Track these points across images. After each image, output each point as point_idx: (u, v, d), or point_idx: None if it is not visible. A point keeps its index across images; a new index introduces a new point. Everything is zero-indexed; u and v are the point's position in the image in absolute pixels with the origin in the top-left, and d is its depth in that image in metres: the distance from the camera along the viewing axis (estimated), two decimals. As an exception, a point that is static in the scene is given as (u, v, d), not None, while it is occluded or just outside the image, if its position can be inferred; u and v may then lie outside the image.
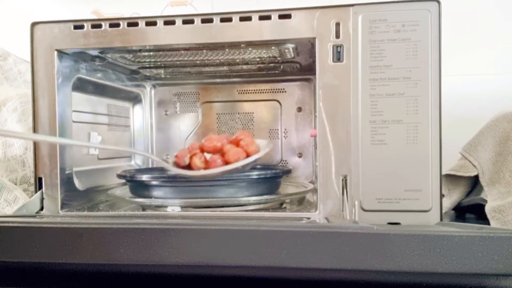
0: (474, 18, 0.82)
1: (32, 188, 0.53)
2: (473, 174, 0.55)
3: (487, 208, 0.50)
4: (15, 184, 0.56)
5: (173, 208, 0.51)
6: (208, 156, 0.27)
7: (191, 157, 0.23)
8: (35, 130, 0.51)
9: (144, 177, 0.55)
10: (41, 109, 0.51)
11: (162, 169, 0.73)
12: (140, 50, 0.54)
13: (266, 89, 0.75)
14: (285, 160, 0.75)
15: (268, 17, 0.47)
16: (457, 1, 0.82)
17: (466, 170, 0.56)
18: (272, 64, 0.64)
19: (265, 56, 0.58)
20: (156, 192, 0.54)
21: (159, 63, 0.63)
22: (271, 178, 0.57)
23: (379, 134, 0.45)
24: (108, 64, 0.61)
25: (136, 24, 0.49)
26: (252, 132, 0.76)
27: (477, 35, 0.82)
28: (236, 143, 0.30)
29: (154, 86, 0.78)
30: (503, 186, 0.51)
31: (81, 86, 0.58)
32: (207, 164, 0.23)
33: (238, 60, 0.61)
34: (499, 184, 0.52)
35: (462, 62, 0.82)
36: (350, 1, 0.46)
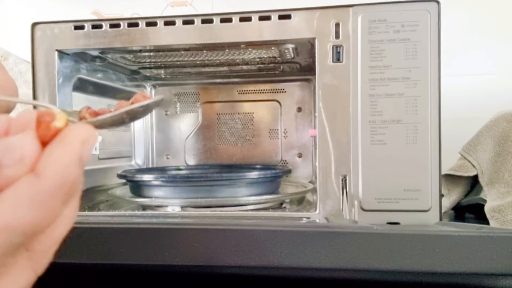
0: (474, 18, 0.82)
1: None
2: (472, 174, 0.56)
3: (487, 208, 0.50)
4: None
5: (173, 208, 0.51)
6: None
7: (80, 111, 0.24)
8: (35, 130, 0.51)
9: (145, 177, 0.55)
10: (42, 109, 0.51)
11: (162, 169, 0.73)
12: (140, 51, 0.54)
13: (266, 89, 0.75)
14: (285, 160, 0.75)
15: (268, 18, 0.47)
16: (458, 1, 0.82)
17: (465, 170, 0.56)
18: (272, 64, 0.64)
19: (265, 56, 0.58)
20: (156, 192, 0.54)
21: (159, 63, 0.63)
22: (271, 178, 0.57)
23: (379, 134, 0.45)
24: (108, 64, 0.61)
25: (136, 25, 0.49)
26: (252, 132, 0.76)
27: (477, 35, 0.82)
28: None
29: (154, 86, 0.79)
30: (502, 186, 0.52)
31: (81, 86, 0.58)
32: (96, 115, 0.23)
33: (238, 61, 0.61)
34: (498, 184, 0.52)
35: (462, 62, 0.82)
36: (350, 2, 0.46)
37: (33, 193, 0.16)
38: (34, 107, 0.51)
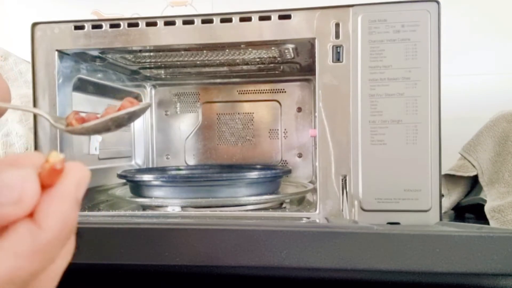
0: (474, 18, 0.82)
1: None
2: (472, 174, 0.56)
3: (487, 208, 0.50)
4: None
5: (173, 208, 0.51)
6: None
7: (67, 117, 0.24)
8: (35, 130, 0.51)
9: (145, 177, 0.55)
10: (42, 109, 0.51)
11: (162, 169, 0.73)
12: (140, 51, 0.54)
13: (266, 89, 0.75)
14: (285, 160, 0.75)
15: (268, 18, 0.47)
16: (458, 1, 0.82)
17: (465, 170, 0.56)
18: (272, 65, 0.64)
19: (265, 56, 0.58)
20: (156, 192, 0.54)
21: (159, 63, 0.63)
22: (271, 178, 0.57)
23: (379, 134, 0.45)
24: (108, 64, 0.61)
25: (136, 25, 0.49)
26: (252, 132, 0.76)
27: (477, 35, 0.82)
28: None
29: (154, 86, 0.79)
30: (502, 186, 0.52)
31: (81, 86, 0.58)
32: (83, 121, 0.23)
33: (238, 61, 0.61)
34: (498, 184, 0.52)
35: (462, 62, 0.82)
36: (350, 2, 0.46)
37: (35, 244, 0.15)
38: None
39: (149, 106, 0.25)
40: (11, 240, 0.15)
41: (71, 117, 0.24)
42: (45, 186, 0.16)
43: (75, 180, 0.17)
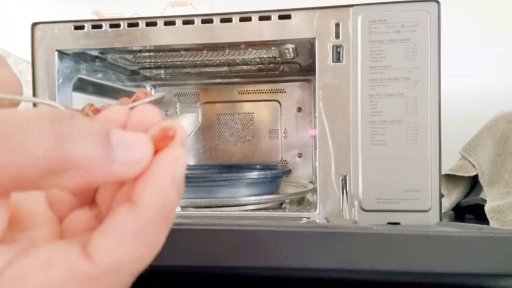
0: (474, 18, 0.82)
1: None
2: (472, 174, 0.55)
3: (487, 208, 0.50)
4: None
5: (173, 208, 0.51)
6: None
7: (83, 109, 0.24)
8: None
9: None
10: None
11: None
12: (140, 51, 0.54)
13: (266, 89, 0.75)
14: (285, 160, 0.75)
15: (268, 18, 0.47)
16: (458, 1, 0.82)
17: (465, 170, 0.56)
18: (272, 65, 0.64)
19: (265, 56, 0.58)
20: (156, 192, 0.54)
21: (159, 63, 0.63)
22: (271, 178, 0.57)
23: (379, 135, 0.45)
24: (108, 64, 0.61)
25: (136, 25, 0.49)
26: (252, 132, 0.76)
27: (477, 35, 0.82)
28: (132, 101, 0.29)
29: (154, 86, 0.79)
30: (502, 186, 0.52)
31: (81, 86, 0.58)
32: (99, 112, 0.23)
33: (238, 61, 0.61)
34: (498, 185, 0.52)
35: (462, 62, 0.82)
36: (350, 2, 0.46)
37: (135, 223, 0.15)
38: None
39: (163, 97, 0.26)
40: (112, 223, 0.15)
41: (87, 109, 0.24)
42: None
43: (173, 157, 0.16)
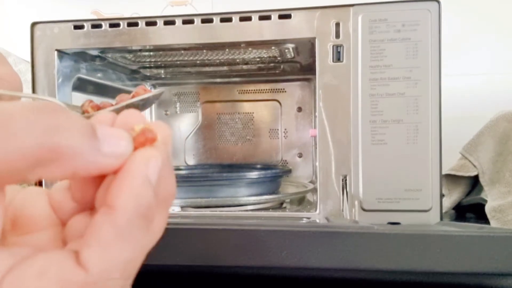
0: (474, 18, 0.82)
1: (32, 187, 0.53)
2: (473, 174, 0.55)
3: (487, 208, 0.50)
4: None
5: (173, 208, 0.51)
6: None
7: (82, 105, 0.24)
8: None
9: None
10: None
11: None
12: (140, 50, 0.54)
13: (266, 89, 0.75)
14: (285, 160, 0.75)
15: (268, 17, 0.47)
16: (458, 1, 0.82)
17: (466, 170, 0.56)
18: (272, 64, 0.64)
19: (265, 56, 0.58)
20: (156, 192, 0.54)
21: (159, 63, 0.63)
22: (271, 178, 0.57)
23: (379, 134, 0.45)
24: (108, 64, 0.61)
25: (136, 24, 0.49)
26: (252, 132, 0.76)
27: (477, 35, 0.82)
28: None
29: (154, 86, 0.78)
30: (503, 186, 0.51)
31: (81, 86, 0.58)
32: (98, 109, 0.24)
33: (238, 60, 0.61)
34: (499, 184, 0.52)
35: (462, 62, 0.82)
36: (350, 1, 0.46)
37: (115, 227, 0.15)
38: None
39: (162, 93, 0.26)
40: (94, 232, 0.15)
41: (87, 105, 0.24)
42: None
43: (144, 158, 0.16)
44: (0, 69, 0.23)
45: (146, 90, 0.24)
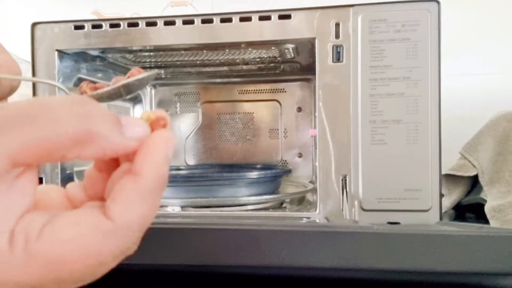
0: (474, 18, 0.82)
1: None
2: (472, 174, 0.55)
3: (487, 208, 0.50)
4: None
5: (173, 208, 0.51)
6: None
7: (81, 87, 0.26)
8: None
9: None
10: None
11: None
12: (140, 50, 0.54)
13: (266, 89, 0.75)
14: (285, 160, 0.75)
15: (268, 18, 0.47)
16: (458, 1, 0.82)
17: (465, 170, 0.56)
18: (272, 64, 0.64)
19: (265, 56, 0.58)
20: (157, 192, 0.54)
21: (159, 63, 0.63)
22: (271, 178, 0.57)
23: (379, 134, 0.45)
24: (108, 64, 0.61)
25: (136, 25, 0.49)
26: (252, 132, 0.76)
27: (477, 35, 0.82)
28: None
29: (154, 86, 0.79)
30: (502, 185, 0.52)
31: (81, 86, 0.58)
32: (95, 89, 0.26)
33: (238, 60, 0.61)
34: (498, 184, 0.52)
35: (462, 62, 0.82)
36: (350, 1, 0.46)
37: (140, 189, 0.18)
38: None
39: (156, 74, 0.28)
40: (122, 191, 0.18)
41: (85, 86, 0.26)
42: None
43: (164, 138, 0.19)
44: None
45: (141, 71, 0.26)
